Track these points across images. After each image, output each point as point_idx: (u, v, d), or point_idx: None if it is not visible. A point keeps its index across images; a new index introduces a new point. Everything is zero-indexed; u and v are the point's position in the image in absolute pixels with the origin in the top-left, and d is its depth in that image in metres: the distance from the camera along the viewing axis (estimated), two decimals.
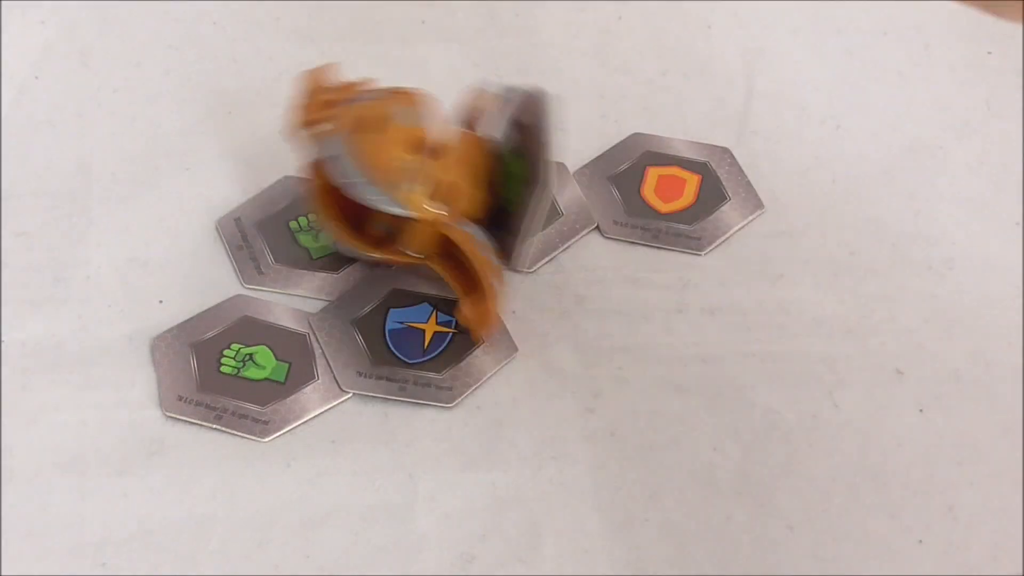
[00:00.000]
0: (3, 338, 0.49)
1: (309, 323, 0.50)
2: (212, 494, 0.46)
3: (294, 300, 0.52)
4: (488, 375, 0.50)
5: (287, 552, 0.45)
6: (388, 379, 0.49)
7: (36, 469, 0.46)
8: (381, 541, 0.45)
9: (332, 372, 0.49)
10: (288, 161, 0.55)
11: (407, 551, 0.45)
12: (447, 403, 0.49)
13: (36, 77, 0.58)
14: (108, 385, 0.48)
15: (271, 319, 0.51)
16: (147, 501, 0.45)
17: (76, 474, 0.46)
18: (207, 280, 0.52)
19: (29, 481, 0.46)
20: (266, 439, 0.47)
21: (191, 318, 0.50)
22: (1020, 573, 0.45)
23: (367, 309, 0.51)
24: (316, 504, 0.46)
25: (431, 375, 0.49)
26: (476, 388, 0.49)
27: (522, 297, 0.53)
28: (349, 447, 0.48)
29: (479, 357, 0.50)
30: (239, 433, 0.47)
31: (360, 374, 0.49)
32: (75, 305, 0.51)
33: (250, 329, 0.50)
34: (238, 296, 0.51)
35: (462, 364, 0.50)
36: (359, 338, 0.50)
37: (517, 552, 0.45)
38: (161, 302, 0.51)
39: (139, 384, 0.48)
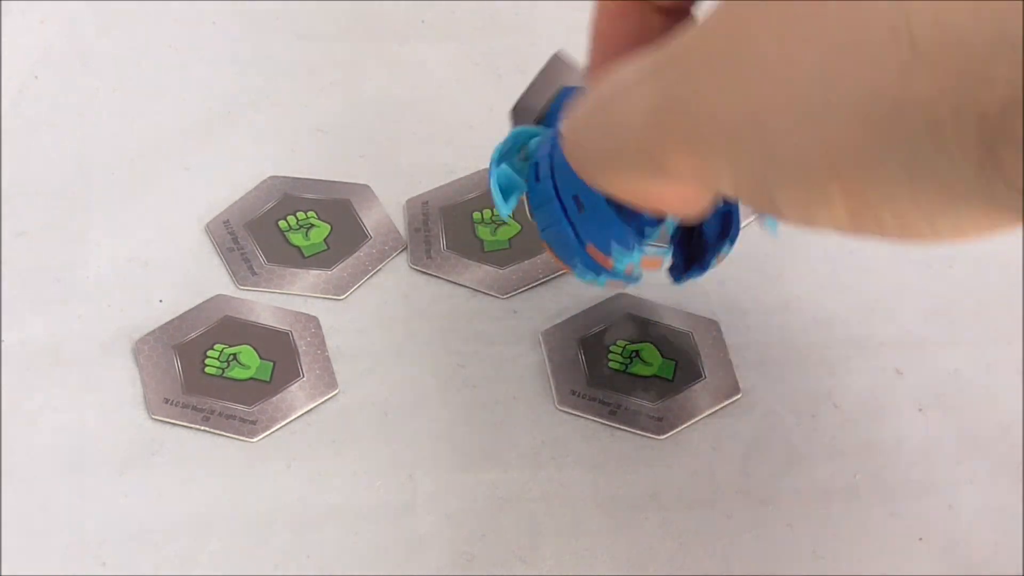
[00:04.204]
0: (3, 338, 0.49)
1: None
2: (212, 494, 0.46)
3: (293, 300, 0.52)
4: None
5: (287, 552, 0.45)
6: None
7: (36, 469, 0.46)
8: (381, 541, 0.45)
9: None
10: (270, 161, 0.55)
11: (407, 551, 0.45)
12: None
13: (36, 77, 0.58)
14: (109, 385, 0.48)
15: (252, 318, 0.51)
16: (147, 501, 0.45)
17: (76, 474, 0.46)
18: (209, 280, 0.52)
19: (29, 481, 0.46)
20: (254, 439, 0.47)
21: (172, 320, 0.50)
22: (1020, 573, 0.45)
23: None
24: (316, 504, 0.46)
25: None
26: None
27: (521, 299, 0.53)
28: (349, 447, 0.48)
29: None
30: (227, 434, 0.47)
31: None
32: (75, 305, 0.51)
33: (232, 329, 0.50)
34: (219, 296, 0.51)
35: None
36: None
37: (517, 552, 0.45)
38: (162, 302, 0.51)
39: (139, 384, 0.48)
